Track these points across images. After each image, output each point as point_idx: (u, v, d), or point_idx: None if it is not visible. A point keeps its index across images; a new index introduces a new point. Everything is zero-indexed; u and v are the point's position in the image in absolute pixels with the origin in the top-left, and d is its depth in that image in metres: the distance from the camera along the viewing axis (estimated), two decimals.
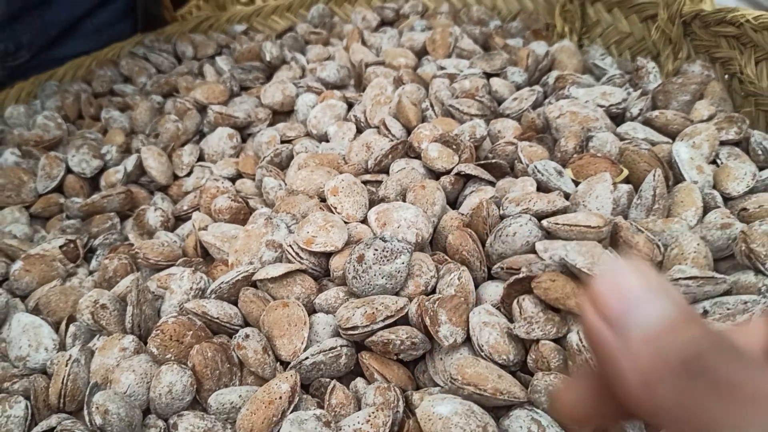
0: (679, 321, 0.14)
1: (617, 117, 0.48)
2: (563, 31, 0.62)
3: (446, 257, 0.38)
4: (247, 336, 0.35)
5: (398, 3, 0.74)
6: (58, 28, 0.74)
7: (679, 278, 0.33)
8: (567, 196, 0.40)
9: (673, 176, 0.42)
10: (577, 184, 0.41)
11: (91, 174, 0.54)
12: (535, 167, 0.41)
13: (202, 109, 0.60)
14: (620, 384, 0.14)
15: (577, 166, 0.42)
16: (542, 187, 0.41)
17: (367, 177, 0.45)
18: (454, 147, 0.45)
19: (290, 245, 0.38)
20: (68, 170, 0.54)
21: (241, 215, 0.47)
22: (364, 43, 0.67)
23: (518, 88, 0.54)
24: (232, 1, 0.85)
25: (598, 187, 0.39)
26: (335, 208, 0.41)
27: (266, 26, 0.80)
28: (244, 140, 0.57)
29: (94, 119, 0.66)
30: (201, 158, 0.56)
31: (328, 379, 0.33)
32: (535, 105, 0.51)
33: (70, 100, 0.66)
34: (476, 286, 0.37)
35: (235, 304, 0.38)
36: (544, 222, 0.36)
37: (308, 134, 0.55)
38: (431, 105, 0.51)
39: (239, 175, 0.53)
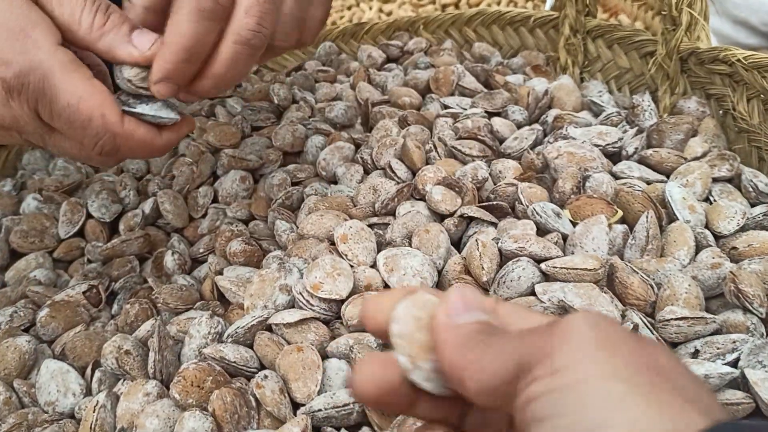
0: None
1: (614, 155, 0.50)
2: (566, 64, 0.64)
3: None
4: (265, 377, 0.37)
5: (402, 40, 0.76)
6: None
7: (671, 319, 0.35)
8: (565, 238, 0.42)
9: (667, 215, 0.43)
10: (574, 224, 0.43)
11: (111, 219, 0.56)
12: (534, 209, 0.43)
13: (215, 151, 0.63)
14: (443, 349, 0.21)
15: (575, 207, 0.44)
16: (541, 228, 0.43)
17: (375, 220, 0.47)
18: (456, 189, 0.47)
19: (300, 292, 0.40)
20: (88, 215, 0.57)
21: (255, 258, 0.50)
22: (370, 81, 0.70)
23: (519, 126, 0.56)
24: None
25: (595, 228, 0.41)
26: (345, 255, 0.43)
27: (276, 63, 0.82)
28: (256, 181, 0.60)
29: None
30: (215, 199, 0.59)
31: (335, 430, 0.35)
32: (535, 144, 0.53)
33: None
34: None
35: (251, 347, 0.40)
36: (543, 265, 0.38)
37: (317, 175, 0.57)
38: (435, 146, 0.53)
39: (252, 217, 0.55)
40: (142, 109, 0.39)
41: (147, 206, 0.57)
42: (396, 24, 0.78)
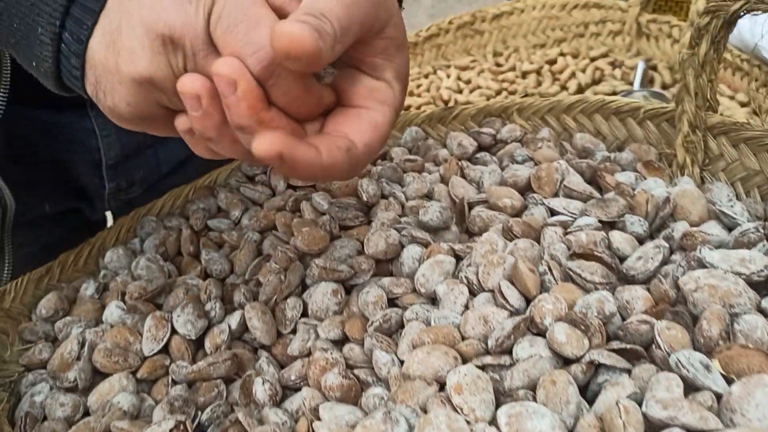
0: None
1: (759, 284, 0.44)
2: (684, 163, 0.58)
3: None
4: None
5: (495, 127, 0.72)
6: (171, 165, 0.76)
7: None
8: (718, 397, 0.36)
9: None
10: (727, 379, 0.37)
11: (197, 336, 0.53)
12: (679, 361, 0.38)
13: (303, 255, 0.59)
14: None
15: (726, 357, 0.38)
16: (689, 384, 0.37)
17: (489, 360, 0.42)
18: (582, 328, 0.42)
19: None
20: (173, 330, 0.54)
21: (353, 392, 0.45)
22: (463, 175, 0.66)
23: (639, 239, 0.51)
24: None
25: (758, 393, 0.35)
26: (461, 408, 0.38)
27: None
28: (347, 291, 0.56)
29: (193, 257, 0.66)
30: (305, 312, 0.55)
31: None
32: (662, 263, 0.48)
33: (172, 238, 0.67)
34: None
35: None
36: None
37: (415, 290, 0.53)
38: (549, 268, 0.48)
39: (346, 337, 0.51)
40: None
41: (233, 321, 0.54)
42: (487, 109, 0.74)
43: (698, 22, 0.53)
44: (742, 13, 0.51)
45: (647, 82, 1.06)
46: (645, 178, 0.58)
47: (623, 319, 0.44)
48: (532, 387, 0.40)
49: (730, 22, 0.52)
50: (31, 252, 0.69)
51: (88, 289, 0.62)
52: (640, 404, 0.36)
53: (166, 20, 0.35)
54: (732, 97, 0.95)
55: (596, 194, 0.56)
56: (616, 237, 0.50)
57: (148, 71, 0.36)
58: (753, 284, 0.44)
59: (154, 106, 0.38)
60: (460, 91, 1.16)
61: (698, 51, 0.54)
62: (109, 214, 0.79)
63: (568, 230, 0.52)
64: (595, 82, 1.11)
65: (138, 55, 0.36)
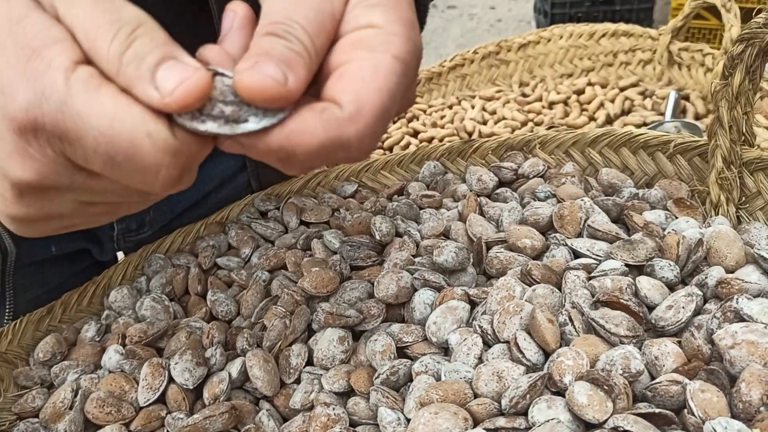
0: None
1: None
2: (719, 201, 0.54)
3: None
4: None
5: (516, 161, 0.69)
6: (184, 206, 0.74)
7: None
8: None
9: None
10: None
11: (194, 385, 0.50)
12: (714, 430, 0.33)
13: (310, 297, 0.56)
14: None
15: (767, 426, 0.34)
16: None
17: (503, 423, 0.38)
18: (606, 388, 0.38)
19: None
20: (170, 379, 0.51)
21: None
22: (482, 213, 0.62)
23: (669, 285, 0.47)
24: None
25: None
26: None
27: (378, 182, 0.76)
28: (356, 337, 0.53)
29: (200, 296, 0.63)
30: (309, 359, 0.52)
31: None
32: (695, 313, 0.44)
33: (179, 276, 0.64)
34: None
35: None
36: None
37: (426, 339, 0.49)
38: (570, 318, 0.44)
39: (351, 389, 0.47)
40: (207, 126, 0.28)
41: (234, 369, 0.51)
42: (508, 143, 0.71)
43: (732, 50, 0.50)
44: None
45: (679, 112, 1.02)
46: (676, 218, 0.54)
47: (652, 377, 0.40)
48: None
49: (767, 51, 0.48)
50: (38, 295, 0.67)
51: (89, 330, 0.60)
52: None
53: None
54: None
55: (623, 235, 0.52)
56: (644, 283, 0.46)
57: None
58: None
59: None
60: (485, 123, 1.13)
61: (732, 81, 0.50)
62: (120, 254, 0.77)
63: (592, 275, 0.49)
64: (625, 112, 1.07)
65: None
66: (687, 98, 1.04)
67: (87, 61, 0.28)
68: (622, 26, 1.16)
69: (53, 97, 0.26)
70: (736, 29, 0.47)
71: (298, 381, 0.51)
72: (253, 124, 0.28)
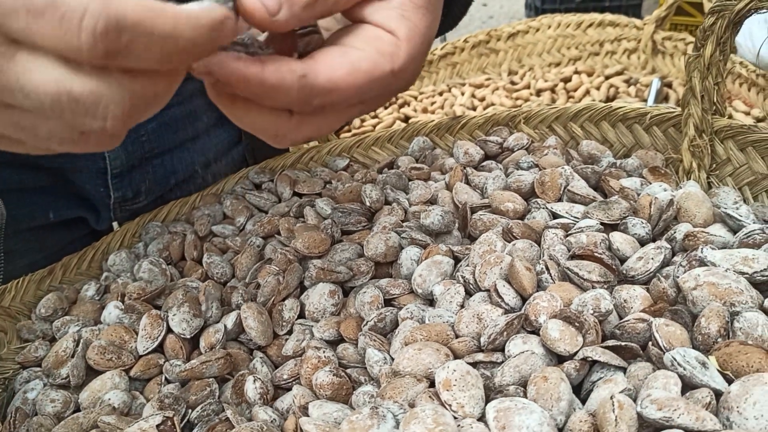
0: None
1: (762, 284, 0.43)
2: (691, 168, 0.57)
3: None
4: None
5: (502, 136, 0.72)
6: (179, 178, 0.76)
7: None
8: (717, 395, 0.35)
9: None
10: (725, 377, 0.36)
11: (191, 335, 0.53)
12: (674, 359, 0.36)
13: (303, 258, 0.59)
14: None
15: (724, 355, 0.37)
16: (686, 383, 0.36)
17: (481, 357, 0.41)
18: (577, 325, 0.40)
19: None
20: (169, 329, 0.53)
21: (344, 391, 0.44)
22: (468, 181, 0.65)
23: (641, 241, 0.50)
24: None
25: (756, 391, 0.33)
26: (449, 404, 0.37)
27: (368, 157, 0.79)
28: (345, 293, 0.55)
29: (196, 262, 0.66)
30: (301, 314, 0.54)
31: None
32: (663, 265, 0.47)
33: (176, 242, 0.67)
34: None
35: None
36: None
37: (412, 291, 0.52)
38: (547, 267, 0.47)
39: (341, 338, 0.50)
40: None
41: (229, 321, 0.54)
42: (494, 118, 0.74)
43: (704, 23, 0.53)
44: (749, 13, 0.50)
45: (662, 99, 1.05)
46: (650, 184, 0.57)
47: (620, 318, 0.43)
48: (524, 384, 0.38)
49: (736, 23, 0.51)
50: (35, 260, 0.69)
51: (89, 290, 0.62)
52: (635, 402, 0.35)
53: None
54: (747, 113, 0.94)
55: (600, 198, 0.55)
56: (617, 238, 0.49)
57: None
58: (756, 284, 0.42)
59: None
60: (474, 108, 1.16)
61: (704, 52, 0.53)
62: (115, 225, 0.79)
63: (569, 232, 0.51)
64: (610, 99, 1.10)
65: None
66: (669, 85, 1.07)
67: None
68: (609, 16, 1.20)
69: None
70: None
71: (290, 332, 0.53)
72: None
